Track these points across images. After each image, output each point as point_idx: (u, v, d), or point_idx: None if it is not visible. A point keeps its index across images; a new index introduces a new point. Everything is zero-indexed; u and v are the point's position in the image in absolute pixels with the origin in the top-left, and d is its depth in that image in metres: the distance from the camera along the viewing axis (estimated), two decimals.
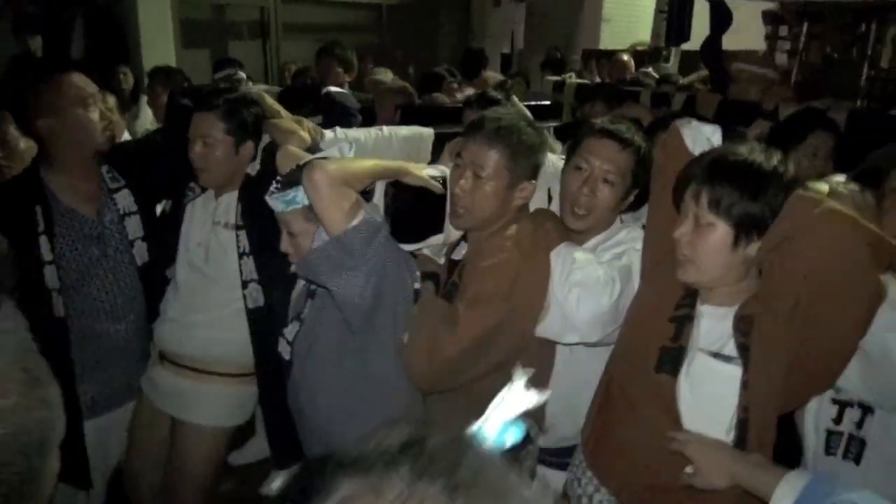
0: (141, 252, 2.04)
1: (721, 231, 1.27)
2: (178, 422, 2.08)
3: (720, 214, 1.26)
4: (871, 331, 1.21)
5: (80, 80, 1.87)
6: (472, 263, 1.59)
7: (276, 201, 1.57)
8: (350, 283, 1.51)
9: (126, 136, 3.16)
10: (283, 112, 2.04)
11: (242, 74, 3.82)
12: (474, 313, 1.51)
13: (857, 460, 1.38)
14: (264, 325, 1.97)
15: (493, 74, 5.98)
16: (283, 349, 1.77)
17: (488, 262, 1.55)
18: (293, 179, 1.58)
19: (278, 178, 1.64)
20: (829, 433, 1.42)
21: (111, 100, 2.34)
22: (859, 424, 1.38)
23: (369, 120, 3.13)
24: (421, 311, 1.62)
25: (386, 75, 5.02)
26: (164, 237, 2.07)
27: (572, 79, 4.01)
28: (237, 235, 1.98)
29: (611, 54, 6.23)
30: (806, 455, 1.47)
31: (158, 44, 5.76)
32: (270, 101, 2.05)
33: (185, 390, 2.06)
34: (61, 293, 1.85)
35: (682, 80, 4.91)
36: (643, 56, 7.32)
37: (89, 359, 1.94)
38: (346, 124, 2.30)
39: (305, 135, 1.93)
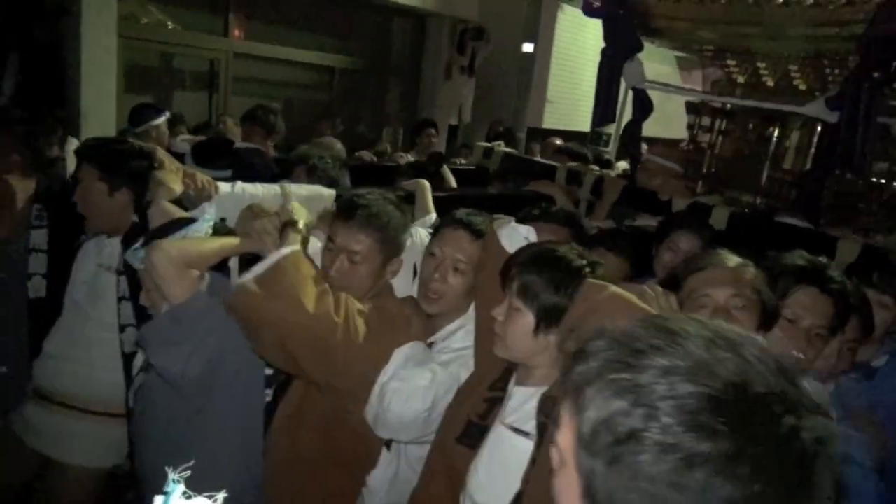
0: (36, 286, 2.21)
1: (526, 317, 1.38)
2: (50, 460, 2.08)
3: (526, 301, 1.39)
4: None
5: None
6: None
7: (131, 257, 1.59)
8: (172, 358, 1.53)
9: None
10: (171, 165, 2.06)
11: (160, 120, 3.81)
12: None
13: None
14: None
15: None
16: (131, 397, 1.81)
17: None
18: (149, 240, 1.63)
19: (146, 234, 1.68)
20: None
21: None
22: None
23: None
24: None
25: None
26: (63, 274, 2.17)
27: (500, 147, 4.12)
28: (118, 280, 2.03)
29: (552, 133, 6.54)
30: None
31: (99, 86, 5.70)
32: (161, 154, 2.08)
33: (57, 428, 2.08)
34: None
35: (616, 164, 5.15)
36: (585, 137, 7.68)
37: None
38: (253, 179, 2.32)
39: (177, 187, 1.98)
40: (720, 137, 3.50)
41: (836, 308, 1.54)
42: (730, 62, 3.51)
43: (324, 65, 7.65)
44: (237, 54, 6.80)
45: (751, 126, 3.41)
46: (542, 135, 7.36)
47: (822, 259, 1.67)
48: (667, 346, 0.64)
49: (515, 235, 1.62)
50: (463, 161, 4.33)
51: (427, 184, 2.63)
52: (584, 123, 7.47)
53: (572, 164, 3.66)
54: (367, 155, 3.84)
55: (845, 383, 1.79)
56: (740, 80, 3.50)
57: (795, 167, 3.20)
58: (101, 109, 5.73)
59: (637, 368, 0.63)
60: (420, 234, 2.08)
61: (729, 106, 3.48)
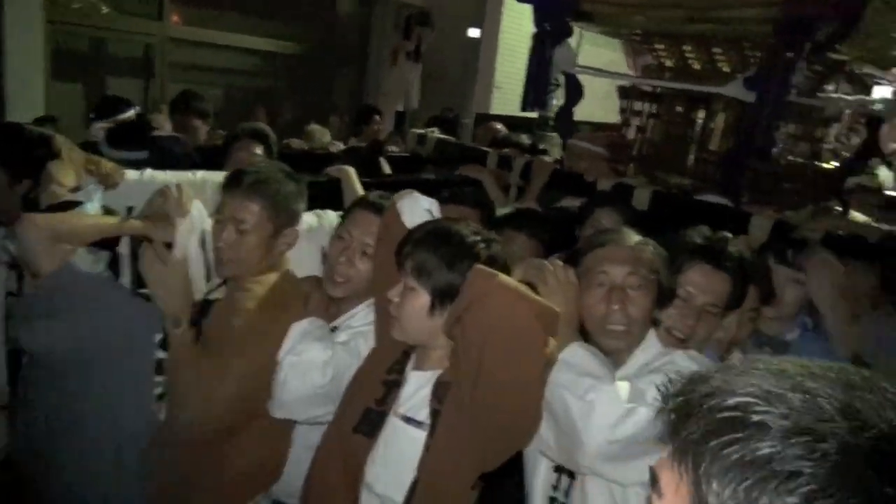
0: None
1: (422, 297, 1.36)
2: None
3: (421, 281, 1.36)
4: (553, 392, 1.27)
5: None
6: (227, 307, 1.63)
7: (2, 241, 1.53)
8: (36, 333, 1.51)
9: None
10: (69, 153, 1.98)
11: (129, 114, 3.69)
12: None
13: None
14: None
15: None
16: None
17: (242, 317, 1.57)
18: None
19: None
20: (551, 500, 1.43)
21: None
22: (567, 491, 1.41)
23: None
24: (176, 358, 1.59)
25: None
26: None
27: (434, 133, 4.09)
28: (8, 273, 1.97)
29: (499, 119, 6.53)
30: None
31: (25, 73, 5.48)
32: (59, 142, 1.99)
33: None
34: None
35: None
36: (532, 123, 7.69)
37: None
38: (169, 166, 2.25)
39: (67, 180, 1.89)
40: (650, 121, 3.53)
41: (732, 284, 1.55)
42: (657, 46, 3.54)
43: (266, 50, 7.49)
44: (174, 40, 6.61)
45: (678, 109, 3.45)
46: (490, 121, 7.36)
47: (726, 235, 1.68)
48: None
49: (416, 208, 1.58)
50: (395, 148, 4.29)
51: (351, 169, 2.59)
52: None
53: (505, 150, 3.66)
54: (296, 143, 3.77)
55: (752, 352, 1.82)
56: (668, 63, 3.54)
57: (722, 148, 3.25)
58: (26, 96, 5.52)
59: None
60: (329, 216, 2.04)
61: (659, 90, 3.52)
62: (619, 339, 1.45)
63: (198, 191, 2.27)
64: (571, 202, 2.75)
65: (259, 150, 2.57)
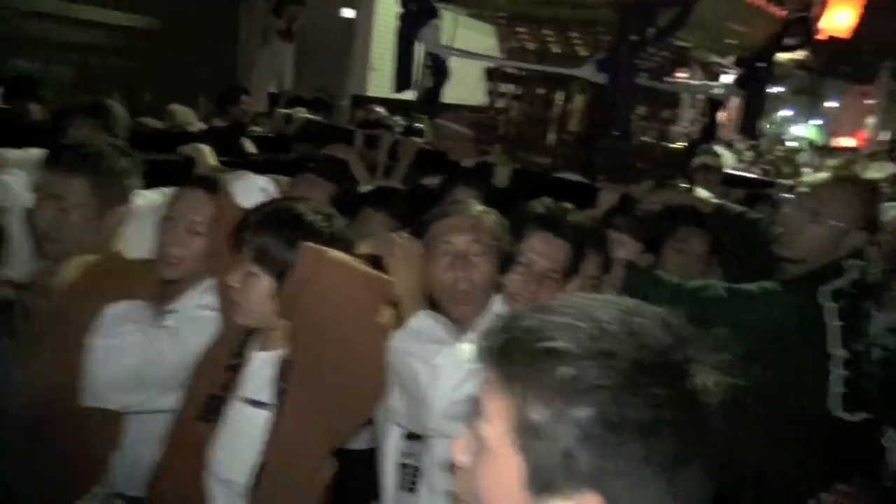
0: None
1: (263, 281, 1.35)
2: None
3: (262, 264, 1.35)
4: (401, 360, 1.31)
5: None
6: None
7: None
8: None
9: None
10: None
11: None
12: None
13: (413, 489, 1.44)
14: None
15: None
16: None
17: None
18: None
19: None
20: (403, 466, 1.47)
21: None
22: (419, 456, 1.45)
23: None
24: None
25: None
26: None
27: (301, 112, 4.02)
28: None
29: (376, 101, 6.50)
30: (385, 492, 1.51)
31: None
32: None
33: None
34: None
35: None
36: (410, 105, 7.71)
37: None
38: None
39: None
40: (513, 102, 3.64)
41: (570, 251, 1.64)
42: (520, 30, 3.65)
43: (123, 24, 7.02)
44: (24, 13, 6.07)
45: (539, 91, 3.58)
46: (368, 103, 7.30)
47: (565, 206, 1.78)
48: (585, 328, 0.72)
49: (251, 188, 1.56)
50: (258, 129, 4.17)
51: (206, 147, 2.49)
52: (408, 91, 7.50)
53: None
54: (150, 122, 3.58)
55: None
56: (531, 47, 3.66)
57: (580, 129, 3.40)
58: None
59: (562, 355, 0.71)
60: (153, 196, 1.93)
61: (523, 72, 3.63)
62: (465, 305, 1.50)
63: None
64: (431, 181, 2.79)
65: (96, 128, 2.36)
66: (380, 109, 5.74)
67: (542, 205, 1.70)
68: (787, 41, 3.36)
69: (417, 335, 1.37)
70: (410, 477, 1.44)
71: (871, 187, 1.86)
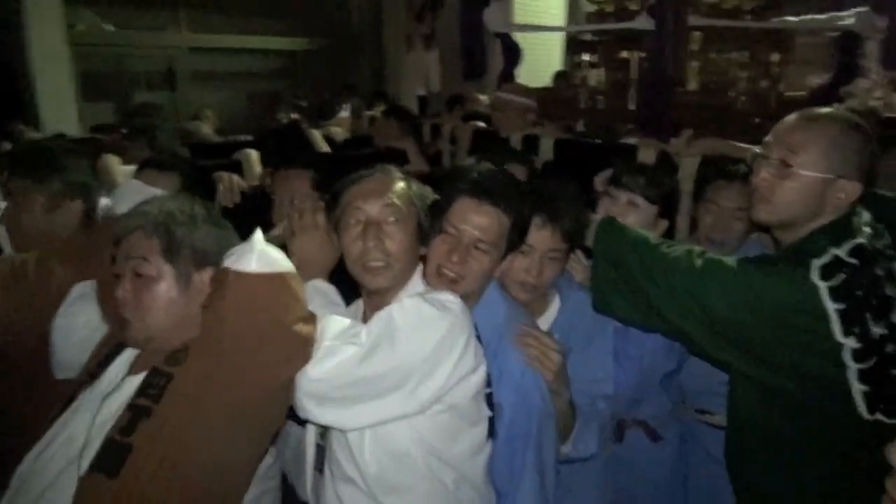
0: None
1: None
2: None
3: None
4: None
5: None
6: None
7: None
8: None
9: None
10: None
11: None
12: None
13: (321, 470, 1.38)
14: None
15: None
16: None
17: None
18: None
19: None
20: (318, 447, 1.41)
21: None
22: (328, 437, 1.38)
23: None
24: None
25: None
26: None
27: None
28: None
29: None
30: (305, 472, 1.45)
31: (57, 98, 5.88)
32: None
33: None
34: None
35: None
36: None
37: None
38: None
39: None
40: (591, 71, 3.44)
41: (502, 218, 1.46)
42: None
43: (284, 49, 7.72)
44: (192, 49, 6.94)
45: (618, 56, 3.34)
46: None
47: (502, 168, 1.60)
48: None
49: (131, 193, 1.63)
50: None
51: (253, 152, 2.71)
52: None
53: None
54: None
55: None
56: (608, 8, 3.43)
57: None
58: (60, 117, 5.94)
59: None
60: None
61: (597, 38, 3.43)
62: (379, 276, 1.37)
63: None
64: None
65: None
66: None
67: (476, 170, 1.55)
68: None
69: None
70: (321, 457, 1.38)
71: (855, 124, 1.38)
